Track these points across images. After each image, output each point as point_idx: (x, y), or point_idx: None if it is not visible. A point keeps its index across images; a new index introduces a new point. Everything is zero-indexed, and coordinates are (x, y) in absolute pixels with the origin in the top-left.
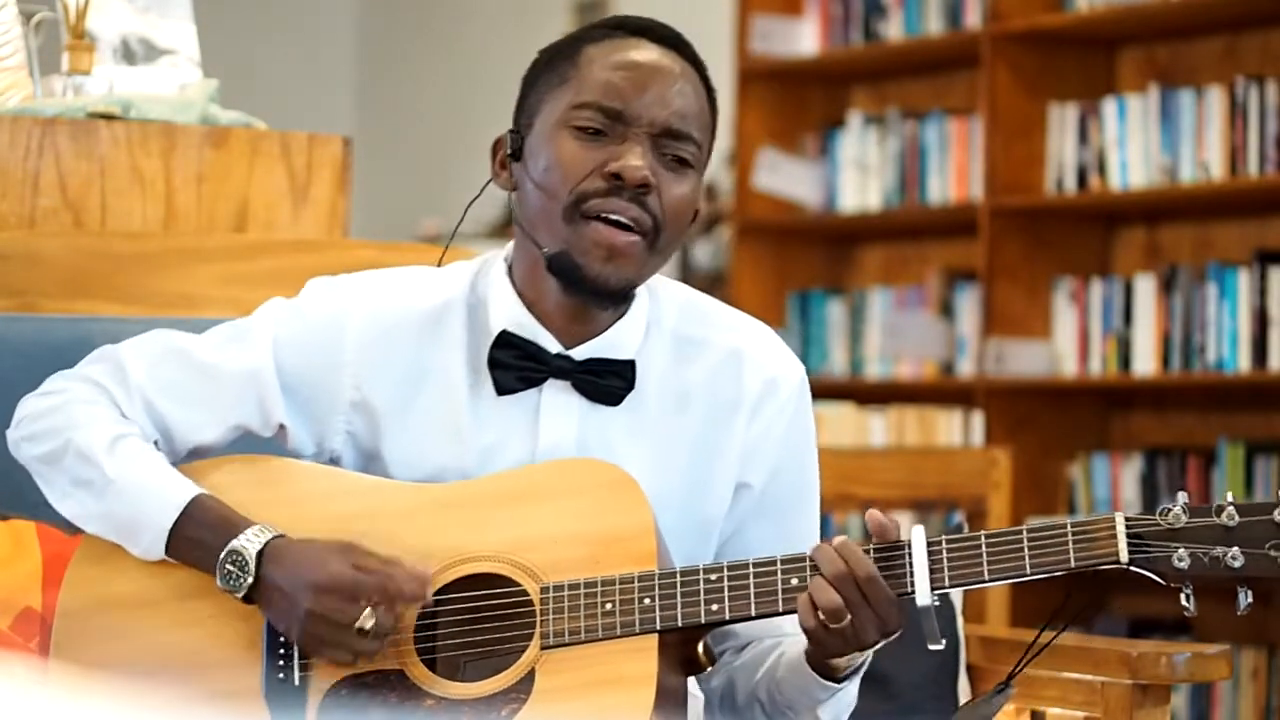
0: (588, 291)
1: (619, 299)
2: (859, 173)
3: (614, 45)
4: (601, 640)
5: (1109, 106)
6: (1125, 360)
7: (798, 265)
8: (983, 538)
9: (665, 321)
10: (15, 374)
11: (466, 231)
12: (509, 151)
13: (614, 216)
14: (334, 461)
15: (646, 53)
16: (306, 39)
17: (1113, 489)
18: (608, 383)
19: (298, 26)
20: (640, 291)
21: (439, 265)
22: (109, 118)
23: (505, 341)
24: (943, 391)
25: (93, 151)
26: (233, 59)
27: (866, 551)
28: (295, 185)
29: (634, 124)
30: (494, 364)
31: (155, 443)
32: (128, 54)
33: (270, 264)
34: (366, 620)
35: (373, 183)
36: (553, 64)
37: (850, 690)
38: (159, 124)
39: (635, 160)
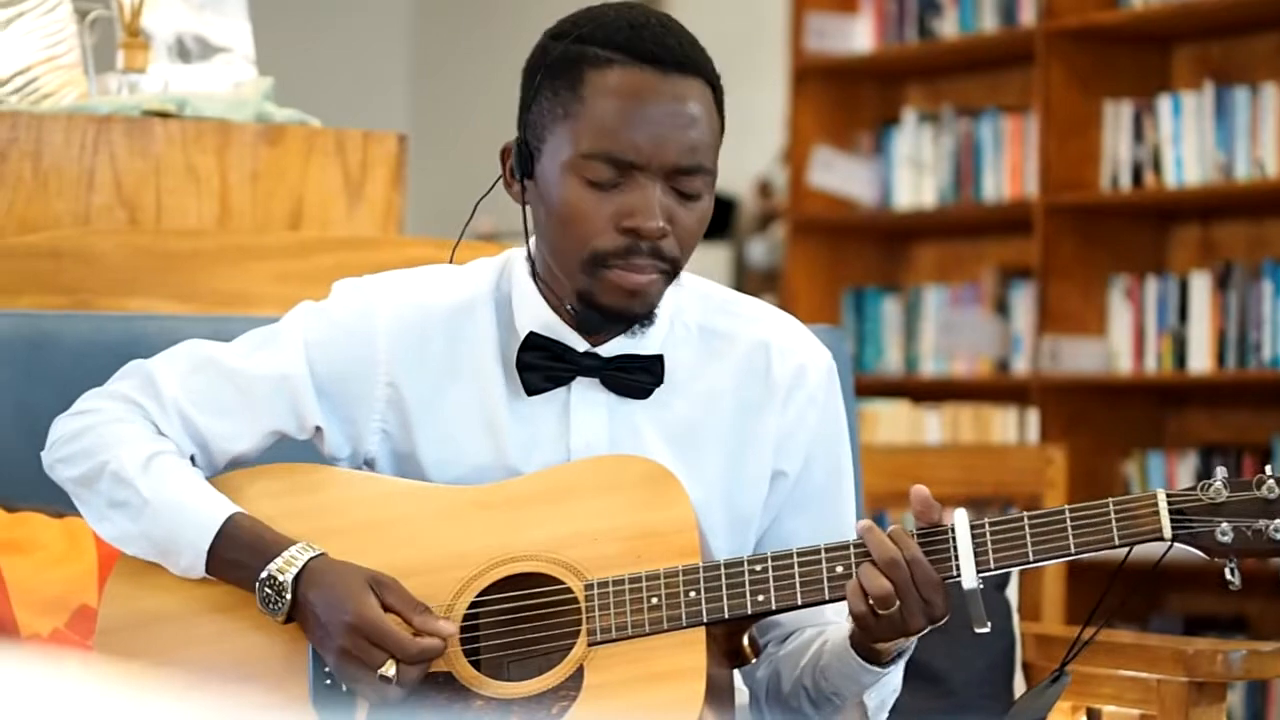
0: (613, 321)
1: (646, 321)
2: (914, 170)
3: (620, 78)
4: (648, 635)
5: (1164, 104)
6: (1180, 358)
7: (852, 263)
8: (1025, 518)
9: (689, 315)
10: (70, 372)
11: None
12: (520, 167)
13: (633, 275)
14: (369, 464)
15: (655, 86)
16: (361, 36)
17: (1168, 486)
18: (636, 378)
19: (353, 23)
20: None
21: (450, 261)
22: (164, 115)
23: (533, 343)
24: (998, 389)
25: (148, 149)
26: (288, 56)
27: (911, 537)
28: (350, 183)
29: (645, 169)
30: (522, 365)
31: (192, 457)
32: (183, 52)
33: (325, 261)
34: (388, 669)
35: (428, 180)
36: (554, 85)
37: (895, 676)
38: (214, 121)
39: (649, 214)
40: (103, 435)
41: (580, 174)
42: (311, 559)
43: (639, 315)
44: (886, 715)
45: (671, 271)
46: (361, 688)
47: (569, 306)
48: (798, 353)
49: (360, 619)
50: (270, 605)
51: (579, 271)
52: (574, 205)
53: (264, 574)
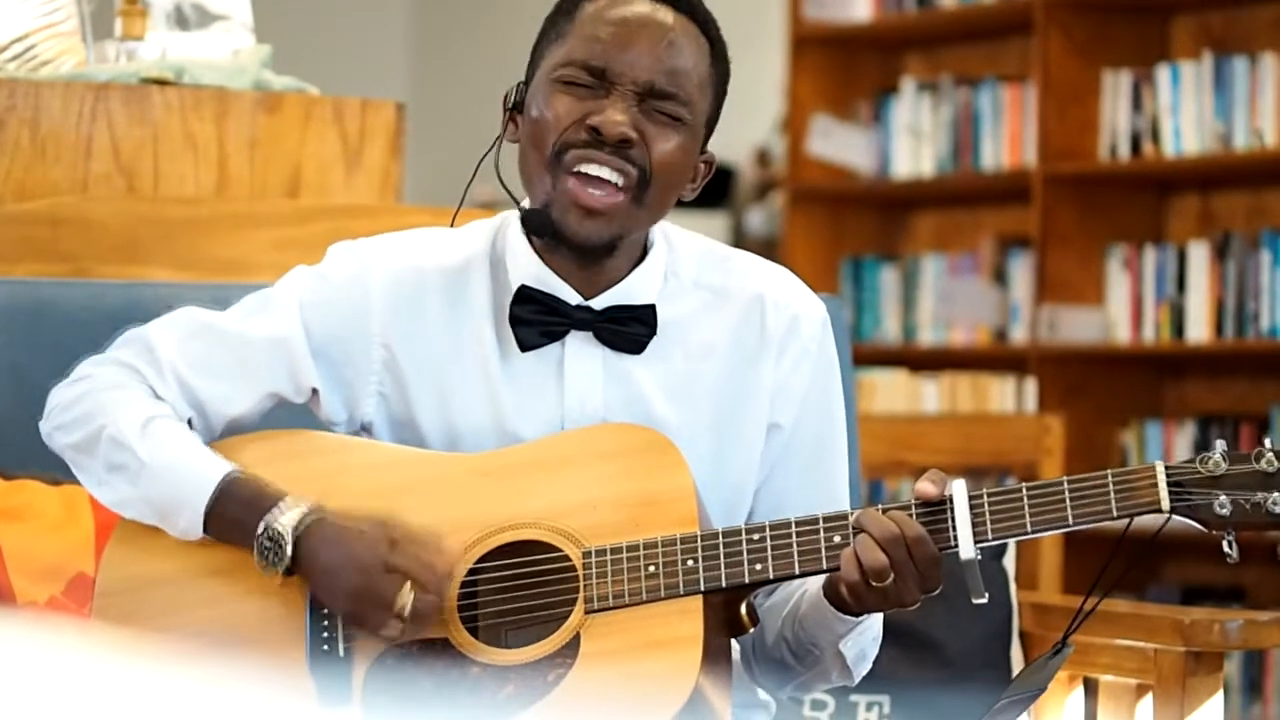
0: (569, 247)
1: (603, 252)
2: (912, 139)
3: (610, 2)
4: (645, 603)
5: (1163, 73)
6: (1178, 327)
7: (851, 232)
8: (1024, 489)
9: (684, 271)
10: (68, 340)
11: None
12: (513, 104)
13: (591, 171)
14: (366, 429)
15: (639, 9)
16: (360, 4)
17: (1166, 456)
18: (630, 330)
19: None
20: (657, 240)
21: (451, 225)
22: (162, 83)
23: (525, 296)
24: (996, 358)
25: (146, 117)
26: (286, 24)
27: (908, 513)
28: (348, 150)
29: (617, 82)
30: (515, 320)
31: (189, 421)
32: (181, 19)
33: (323, 229)
34: (405, 598)
35: (426, 148)
36: (555, 19)
37: (872, 627)
38: (212, 89)
39: (616, 115)
40: (100, 401)
41: (558, 80)
42: (309, 513)
43: (595, 243)
44: (868, 667)
45: (638, 188)
46: (379, 629)
47: (523, 206)
48: (792, 304)
49: (371, 559)
50: (269, 558)
51: (546, 172)
52: (548, 106)
53: (261, 529)
